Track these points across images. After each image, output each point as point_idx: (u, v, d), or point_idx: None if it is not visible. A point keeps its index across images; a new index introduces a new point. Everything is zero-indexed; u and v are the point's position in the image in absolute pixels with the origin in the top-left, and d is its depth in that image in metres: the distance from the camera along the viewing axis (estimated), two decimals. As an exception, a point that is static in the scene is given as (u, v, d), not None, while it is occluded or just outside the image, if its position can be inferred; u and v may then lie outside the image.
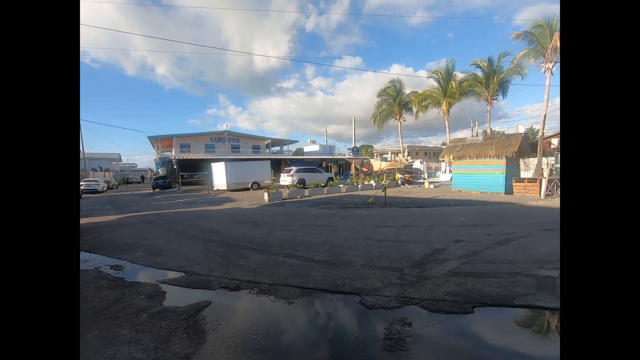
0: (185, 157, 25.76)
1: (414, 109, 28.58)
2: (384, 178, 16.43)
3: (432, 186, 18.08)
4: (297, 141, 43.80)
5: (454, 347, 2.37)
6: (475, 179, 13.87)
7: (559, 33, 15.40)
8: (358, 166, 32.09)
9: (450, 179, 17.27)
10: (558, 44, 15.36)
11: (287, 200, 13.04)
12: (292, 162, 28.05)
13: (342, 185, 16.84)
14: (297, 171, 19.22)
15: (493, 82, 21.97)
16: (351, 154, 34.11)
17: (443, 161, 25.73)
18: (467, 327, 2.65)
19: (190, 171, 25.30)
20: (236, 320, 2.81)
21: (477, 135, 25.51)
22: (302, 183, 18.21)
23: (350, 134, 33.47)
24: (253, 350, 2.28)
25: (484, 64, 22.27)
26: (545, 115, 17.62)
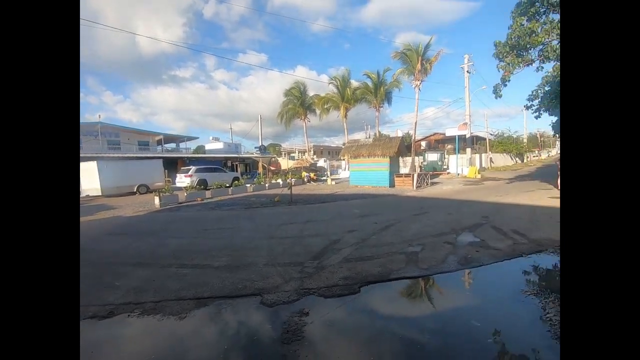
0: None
1: (317, 111, 30.46)
2: (291, 176, 16.86)
3: (334, 183, 19.74)
4: (198, 138, 39.76)
5: (345, 325, 2.67)
6: (367, 175, 15.96)
7: (421, 58, 19.40)
8: (266, 165, 31.77)
9: (349, 176, 19.29)
10: (419, 66, 19.32)
11: (185, 203, 11.64)
12: (192, 161, 25.23)
13: (248, 185, 16.29)
14: (197, 171, 17.39)
15: (380, 92, 25.77)
16: (258, 152, 33.42)
17: (343, 160, 28.47)
18: (355, 305, 3.03)
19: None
20: (108, 353, 2.32)
21: (369, 137, 29.40)
22: (203, 184, 16.61)
23: (257, 131, 32.72)
24: (129, 383, 1.94)
25: (373, 75, 25.83)
26: (415, 123, 21.93)
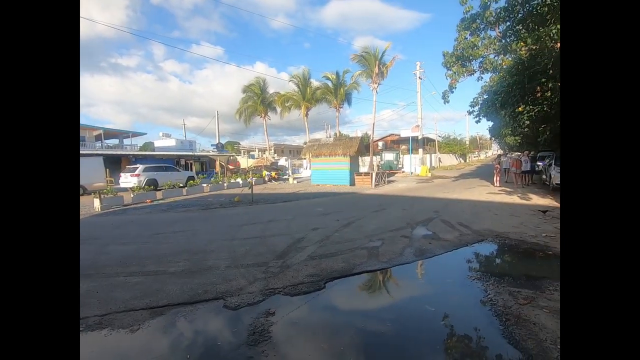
0: None
1: (278, 109, 30.03)
2: (251, 175, 16.38)
3: (296, 182, 19.68)
4: (146, 133, 36.34)
5: (312, 322, 2.70)
6: (329, 174, 16.25)
7: (378, 62, 20.34)
8: (224, 163, 30.34)
9: (310, 175, 19.41)
10: (377, 70, 20.25)
11: (132, 206, 10.57)
12: (140, 159, 22.96)
13: (205, 185, 15.40)
14: (145, 170, 15.89)
15: (340, 93, 26.36)
16: (215, 150, 31.76)
17: (304, 159, 28.53)
18: (320, 300, 3.08)
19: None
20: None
21: (330, 137, 29.98)
22: (152, 184, 15.24)
23: (213, 128, 31.08)
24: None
25: (333, 76, 26.31)
26: (373, 124, 22.93)
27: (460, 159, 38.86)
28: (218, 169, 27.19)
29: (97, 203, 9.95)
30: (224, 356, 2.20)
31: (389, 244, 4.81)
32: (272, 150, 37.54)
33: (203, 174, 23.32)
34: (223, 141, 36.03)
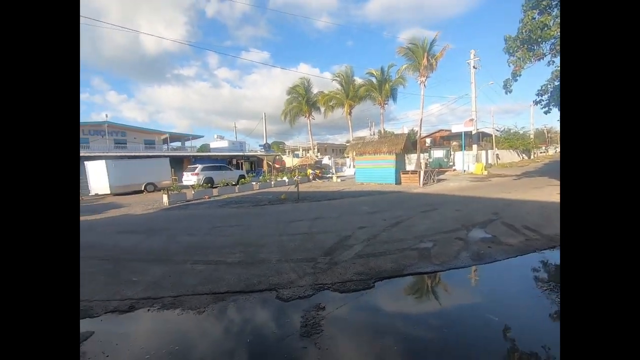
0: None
1: (322, 109, 30.40)
2: (297, 174, 16.91)
3: (339, 180, 19.75)
4: (203, 136, 39.81)
5: (361, 319, 2.70)
6: (373, 172, 15.94)
7: (427, 53, 19.22)
8: (270, 163, 31.86)
9: (354, 173, 19.26)
10: (425, 62, 19.15)
11: (193, 201, 11.76)
12: (198, 159, 25.41)
13: (254, 183, 16.39)
14: (203, 169, 17.52)
15: (385, 88, 25.60)
16: (263, 150, 33.52)
17: (348, 157, 28.43)
18: (369, 299, 3.06)
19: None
20: (131, 346, 2.38)
21: (374, 135, 29.40)
22: (209, 182, 16.74)
23: (261, 129, 32.81)
24: (156, 374, 1.99)
25: (377, 72, 25.66)
26: (421, 120, 21.79)
27: (524, 155, 34.62)
28: (265, 168, 28.66)
29: (165, 199, 11.30)
30: (279, 343, 2.32)
31: (441, 246, 4.54)
32: (316, 149, 38.18)
33: (252, 173, 24.81)
34: (269, 141, 37.82)
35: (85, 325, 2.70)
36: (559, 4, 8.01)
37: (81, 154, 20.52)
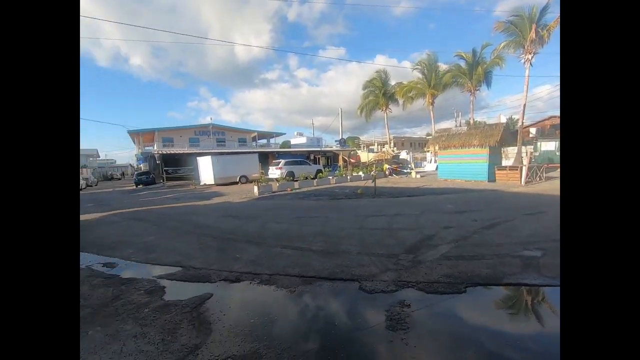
0: (168, 152, 24.98)
1: (400, 100, 28.90)
2: (373, 169, 16.65)
3: (418, 176, 18.52)
4: (285, 133, 43.44)
5: (451, 324, 2.53)
6: (460, 167, 14.32)
7: (535, 25, 15.90)
8: (346, 158, 32.29)
9: (436, 169, 17.74)
10: (533, 35, 15.85)
11: (277, 193, 13.01)
12: (280, 154, 27.84)
13: (331, 177, 16.95)
14: (286, 164, 19.13)
15: (477, 72, 22.47)
16: (338, 145, 34.23)
17: (428, 151, 26.32)
18: (461, 305, 2.82)
19: (174, 166, 24.61)
20: (240, 310, 2.85)
21: (460, 126, 26.34)
22: (291, 176, 18.16)
23: (336, 125, 33.51)
24: (261, 337, 2.34)
25: (467, 55, 22.70)
26: (524, 105, 18.30)
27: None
28: (341, 162, 29.20)
29: (255, 189, 12.85)
30: (363, 331, 2.40)
31: (554, 256, 3.79)
32: (392, 144, 36.65)
33: (328, 168, 25.69)
34: (344, 136, 38.33)
35: (206, 287, 3.37)
36: None
37: (193, 151, 25.23)
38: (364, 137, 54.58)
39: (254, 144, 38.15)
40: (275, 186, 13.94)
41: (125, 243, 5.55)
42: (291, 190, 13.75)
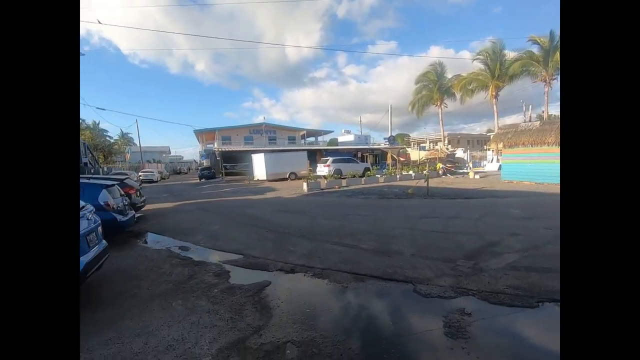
0: (227, 149, 27.30)
1: (457, 94, 26.73)
2: (426, 168, 15.79)
3: (477, 176, 16.97)
4: (333, 131, 43.63)
5: (520, 340, 2.31)
6: (528, 168, 12.71)
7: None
8: (395, 156, 31.20)
9: (499, 169, 16.01)
10: None
11: (326, 190, 13.24)
12: (328, 152, 28.20)
13: (379, 176, 16.59)
14: (333, 161, 19.32)
15: (554, 59, 19.55)
16: (387, 143, 33.19)
17: (490, 149, 23.88)
18: (531, 321, 2.56)
19: (231, 162, 26.80)
20: (297, 299, 3.02)
21: (530, 121, 23.22)
22: (338, 173, 18.28)
23: (385, 122, 32.56)
24: (317, 327, 2.46)
25: (543, 39, 19.88)
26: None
27: None
28: (389, 161, 28.32)
29: (305, 186, 13.28)
30: (420, 334, 2.34)
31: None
32: (447, 141, 34.11)
33: (376, 166, 25.15)
34: (393, 134, 36.97)
35: (265, 275, 3.65)
36: None
37: (247, 149, 27.10)
38: (414, 135, 51.97)
39: (302, 141, 39.29)
40: (323, 183, 14.20)
41: (195, 230, 6.29)
42: (339, 187, 13.86)
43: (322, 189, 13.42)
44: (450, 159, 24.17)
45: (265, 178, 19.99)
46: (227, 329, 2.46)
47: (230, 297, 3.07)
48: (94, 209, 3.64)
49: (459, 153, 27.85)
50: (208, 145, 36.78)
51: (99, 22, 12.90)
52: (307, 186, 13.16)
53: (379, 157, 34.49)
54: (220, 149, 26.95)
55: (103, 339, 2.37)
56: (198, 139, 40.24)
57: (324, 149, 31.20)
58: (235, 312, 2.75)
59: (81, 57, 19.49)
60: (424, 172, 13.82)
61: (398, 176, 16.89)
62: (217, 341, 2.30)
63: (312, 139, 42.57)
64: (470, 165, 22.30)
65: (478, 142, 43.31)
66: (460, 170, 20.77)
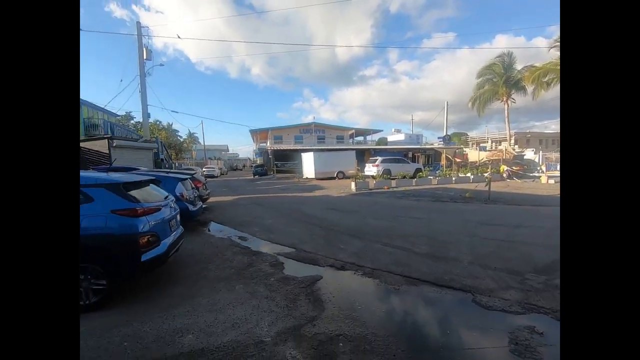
0: (278, 148, 28.72)
1: (529, 88, 23.58)
2: (488, 170, 14.37)
3: (552, 181, 14.80)
4: (382, 130, 42.54)
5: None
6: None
7: None
8: (450, 156, 29.02)
9: (581, 173, 13.67)
10: None
11: (374, 190, 13.02)
12: (377, 152, 27.61)
13: (432, 177, 15.65)
14: (382, 161, 18.85)
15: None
16: (441, 142, 31.03)
17: (569, 150, 20.55)
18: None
19: (282, 160, 28.10)
20: (348, 295, 3.08)
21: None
22: (387, 173, 17.77)
23: (439, 120, 30.52)
24: (368, 324, 2.49)
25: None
26: None
27: None
28: (444, 162, 26.46)
29: (353, 185, 13.26)
30: (481, 349, 2.20)
31: None
32: (513, 141, 30.39)
33: (429, 167, 23.75)
34: (449, 133, 34.33)
35: (316, 270, 3.80)
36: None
37: (297, 147, 28.07)
38: (473, 133, 47.53)
39: (350, 141, 39.16)
40: (371, 183, 13.99)
41: (252, 223, 6.81)
42: (388, 188, 13.50)
43: (370, 189, 13.23)
44: (518, 161, 21.46)
45: (313, 176, 20.48)
46: (284, 316, 2.65)
47: (285, 286, 3.28)
48: (174, 199, 4.23)
49: (529, 154, 24.54)
50: (261, 144, 39.15)
51: (179, 37, 14.71)
52: (355, 185, 13.12)
53: (432, 157, 32.48)
54: (272, 148, 28.49)
55: (183, 311, 2.77)
56: (253, 138, 43.10)
57: (373, 149, 30.61)
58: (290, 301, 2.93)
59: (160, 68, 22.42)
60: (485, 174, 12.61)
61: (454, 178, 15.71)
62: (275, 325, 2.49)
63: (360, 138, 42.12)
64: (543, 168, 19.51)
65: (553, 142, 37.63)
66: (531, 174, 18.34)
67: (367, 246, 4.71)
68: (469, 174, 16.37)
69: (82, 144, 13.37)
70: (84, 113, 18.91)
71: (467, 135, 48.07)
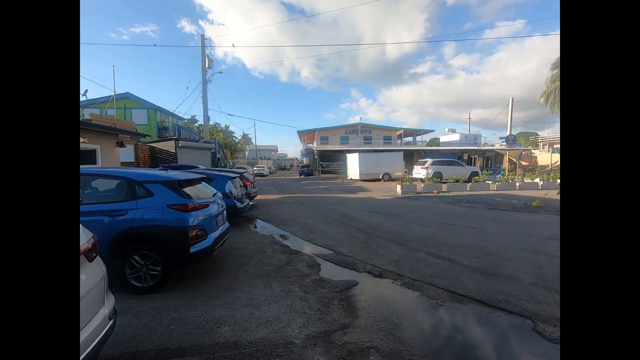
0: (324, 149, 29.02)
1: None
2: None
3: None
4: (433, 130, 39.88)
5: None
6: None
7: None
8: (514, 159, 25.86)
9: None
10: None
11: (422, 194, 12.26)
12: (427, 153, 26.00)
13: (490, 182, 14.10)
14: (432, 163, 17.66)
15: None
16: (504, 143, 27.82)
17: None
18: None
19: (328, 161, 28.31)
20: (384, 306, 2.93)
21: None
22: (438, 177, 16.60)
23: (501, 119, 27.31)
24: (404, 340, 2.32)
25: None
26: None
27: None
28: (506, 165, 23.65)
29: (399, 188, 12.68)
30: (542, 389, 1.87)
31: None
32: (599, 142, 25.65)
33: (487, 170, 21.48)
34: (514, 132, 30.49)
35: (352, 275, 3.70)
36: None
37: (343, 148, 28.00)
38: (545, 133, 41.51)
39: (398, 141, 37.64)
40: (419, 187, 13.20)
41: (293, 221, 6.98)
42: (437, 192, 12.58)
43: (418, 193, 12.48)
44: (603, 166, 18.11)
45: (358, 177, 20.19)
46: (316, 319, 2.62)
47: (320, 289, 3.26)
48: (222, 196, 4.55)
49: (620, 158, 20.51)
50: (308, 145, 40.05)
51: (233, 46, 15.95)
52: (401, 188, 12.52)
53: (491, 159, 29.32)
54: (318, 148, 28.93)
55: (223, 302, 2.94)
56: (300, 139, 44.41)
57: (422, 150, 28.90)
58: (324, 304, 2.90)
59: (219, 75, 24.53)
60: (557, 181, 10.90)
61: (518, 184, 13.91)
62: (306, 328, 2.49)
63: (409, 138, 40.20)
64: None
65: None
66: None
67: (409, 254, 4.43)
68: (537, 180, 14.33)
69: (154, 145, 15.40)
70: (157, 117, 21.73)
71: (536, 135, 42.24)
